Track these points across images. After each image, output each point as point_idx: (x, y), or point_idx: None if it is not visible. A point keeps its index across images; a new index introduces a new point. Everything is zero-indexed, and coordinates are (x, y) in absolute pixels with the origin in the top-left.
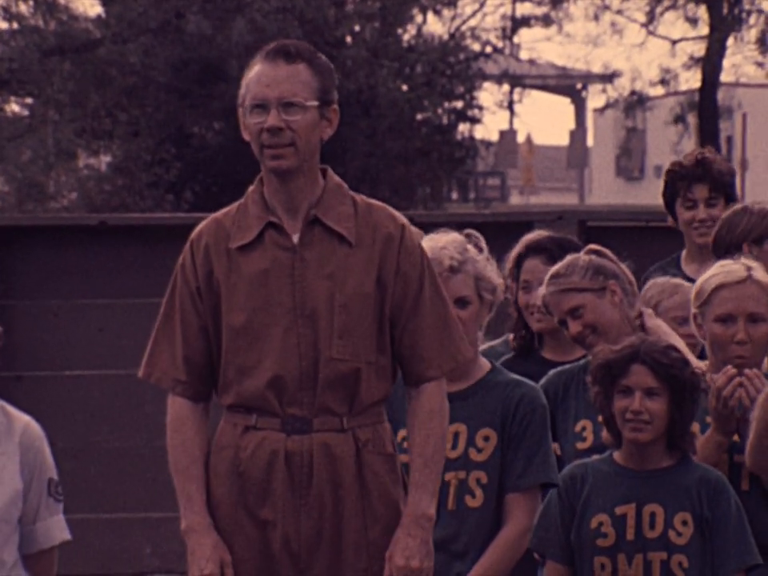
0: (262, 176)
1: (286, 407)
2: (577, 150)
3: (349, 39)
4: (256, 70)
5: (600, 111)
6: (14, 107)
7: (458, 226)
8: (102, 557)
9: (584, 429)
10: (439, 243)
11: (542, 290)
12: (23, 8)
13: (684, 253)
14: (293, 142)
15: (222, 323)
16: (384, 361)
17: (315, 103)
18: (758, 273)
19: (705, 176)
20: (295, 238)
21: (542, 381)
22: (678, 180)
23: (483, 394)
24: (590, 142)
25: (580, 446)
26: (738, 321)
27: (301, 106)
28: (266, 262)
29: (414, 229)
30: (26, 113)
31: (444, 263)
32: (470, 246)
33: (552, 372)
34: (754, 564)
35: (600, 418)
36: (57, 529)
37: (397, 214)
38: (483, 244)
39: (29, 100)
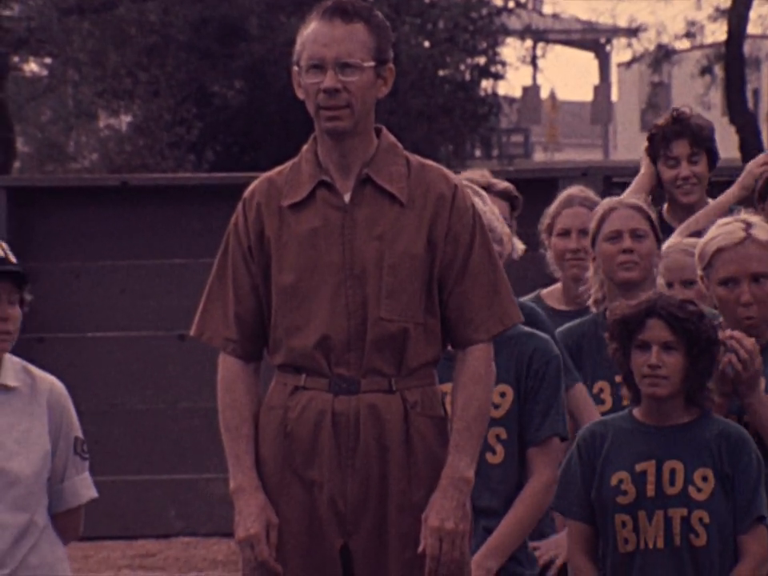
0: (315, 135)
1: (334, 367)
2: (601, 105)
3: None
4: (312, 28)
5: (625, 66)
6: (32, 67)
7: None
8: (126, 519)
9: (602, 390)
10: None
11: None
12: None
13: (665, 207)
14: (349, 103)
15: (272, 282)
16: (433, 323)
17: (372, 63)
18: (758, 230)
19: (684, 132)
20: (347, 197)
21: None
22: (659, 140)
23: (497, 350)
24: (614, 97)
25: (600, 408)
26: (742, 282)
27: (358, 66)
28: (316, 220)
29: (467, 189)
30: (45, 72)
31: None
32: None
33: (560, 331)
34: None
35: (618, 378)
36: (84, 487)
37: (450, 174)
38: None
39: (48, 60)
